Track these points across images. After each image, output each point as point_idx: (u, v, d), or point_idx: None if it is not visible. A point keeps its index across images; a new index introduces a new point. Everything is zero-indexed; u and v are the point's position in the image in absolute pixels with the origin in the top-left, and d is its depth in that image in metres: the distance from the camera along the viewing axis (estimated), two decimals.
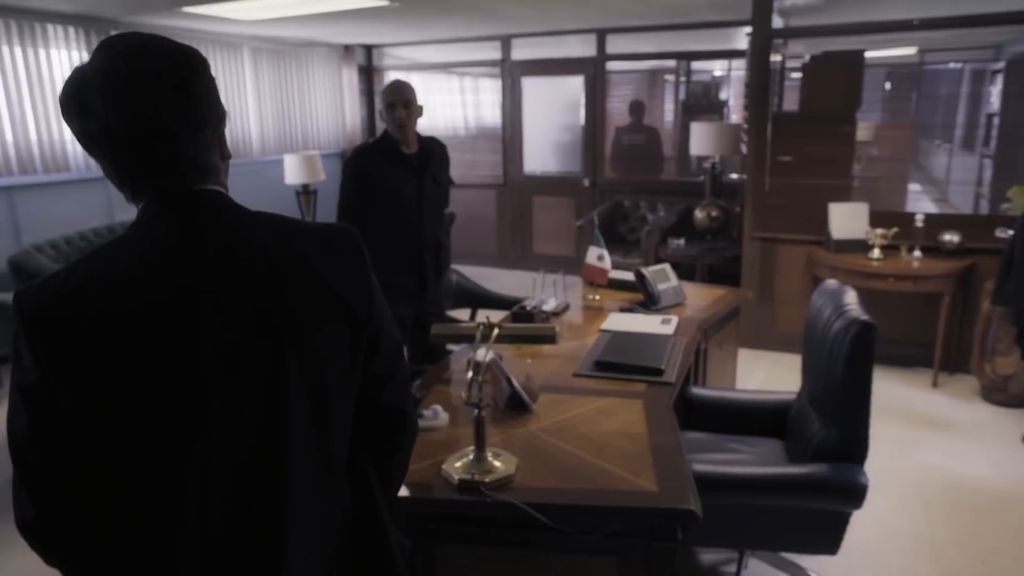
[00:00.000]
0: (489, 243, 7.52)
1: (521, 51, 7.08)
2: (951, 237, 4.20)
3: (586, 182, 6.95)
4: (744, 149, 5.23)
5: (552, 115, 7.31)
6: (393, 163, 2.88)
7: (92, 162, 4.48)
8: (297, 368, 0.97)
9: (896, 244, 4.28)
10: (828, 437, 2.11)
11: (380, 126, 8.22)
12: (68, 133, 5.10)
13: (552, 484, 1.68)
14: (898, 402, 3.99)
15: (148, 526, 0.96)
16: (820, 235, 4.55)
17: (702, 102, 7.65)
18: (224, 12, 4.93)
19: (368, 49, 7.73)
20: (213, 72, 1.00)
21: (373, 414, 1.12)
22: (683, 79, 7.80)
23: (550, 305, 3.00)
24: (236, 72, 6.42)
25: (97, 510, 0.96)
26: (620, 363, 2.35)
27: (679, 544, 1.63)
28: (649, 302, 3.10)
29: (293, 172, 6.19)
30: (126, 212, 5.44)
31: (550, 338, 1.71)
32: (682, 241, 5.46)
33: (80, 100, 0.92)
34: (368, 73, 7.79)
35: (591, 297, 3.29)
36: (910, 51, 7.63)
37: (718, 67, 8.38)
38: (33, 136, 4.95)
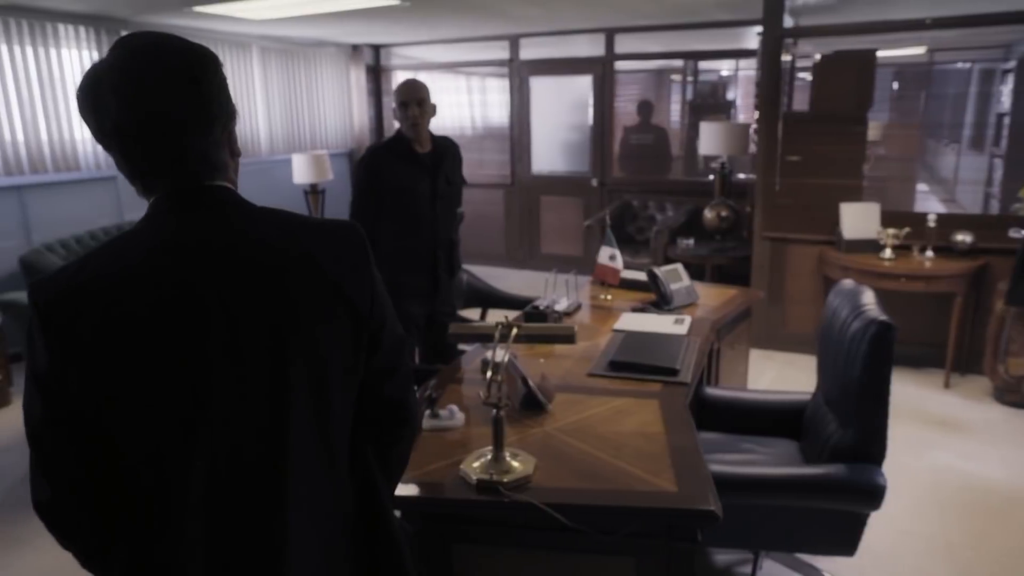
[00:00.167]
0: (496, 243, 7.51)
1: (529, 51, 7.07)
2: (964, 237, 4.17)
3: (594, 182, 6.94)
4: (753, 149, 5.21)
5: (560, 115, 7.31)
6: (406, 162, 2.88)
7: (102, 161, 4.48)
8: (299, 363, 0.99)
9: (908, 244, 4.26)
10: (845, 438, 2.10)
11: (388, 126, 8.23)
12: (79, 132, 5.14)
13: (570, 484, 1.68)
14: (910, 403, 3.98)
15: (154, 516, 0.98)
16: (831, 235, 4.54)
17: (709, 102, 7.64)
18: (233, 11, 4.94)
19: (376, 49, 7.74)
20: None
21: (375, 406, 1.14)
22: (690, 79, 7.79)
23: (562, 305, 2.99)
24: (245, 72, 6.44)
25: (109, 496, 0.99)
26: (635, 363, 2.34)
27: (698, 545, 1.62)
28: (662, 302, 3.09)
29: (301, 172, 6.20)
30: (135, 211, 5.45)
31: (568, 338, 1.71)
32: (691, 241, 5.45)
33: (94, 97, 0.95)
34: (376, 73, 7.79)
35: (603, 297, 3.28)
36: (919, 51, 7.60)
37: (725, 67, 8.37)
38: (44, 135, 4.96)
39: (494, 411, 1.65)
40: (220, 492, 0.97)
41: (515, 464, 1.69)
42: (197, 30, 5.80)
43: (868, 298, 2.17)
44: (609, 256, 3.24)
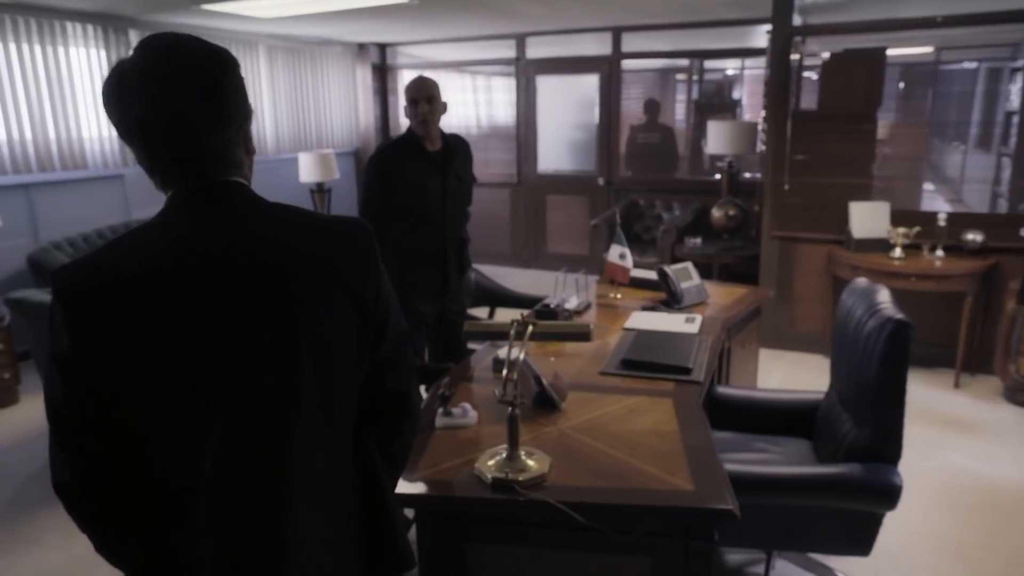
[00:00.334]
0: (502, 242, 7.50)
1: (536, 49, 7.06)
2: (974, 236, 4.15)
3: (600, 181, 6.93)
4: (761, 148, 5.20)
5: (566, 114, 7.29)
6: (417, 159, 2.87)
7: (109, 160, 4.49)
8: (307, 354, 1.03)
9: (917, 243, 4.24)
10: (860, 437, 2.09)
11: (395, 125, 8.23)
12: (86, 131, 5.15)
13: (586, 483, 1.67)
14: (920, 403, 3.96)
15: (168, 500, 1.03)
16: (840, 234, 4.52)
17: (715, 101, 7.62)
18: (242, 9, 4.93)
19: (382, 48, 7.74)
20: None
21: (379, 398, 1.18)
22: (695, 78, 7.76)
23: (572, 303, 2.98)
24: (251, 70, 6.44)
25: (126, 478, 1.03)
26: (648, 362, 2.32)
27: (716, 544, 1.61)
28: (672, 301, 3.08)
29: (307, 170, 6.20)
30: (142, 210, 5.46)
31: (584, 335, 1.70)
32: (698, 240, 5.44)
33: (119, 93, 0.99)
34: (382, 72, 7.79)
35: (612, 296, 3.26)
36: (926, 50, 7.57)
37: (730, 66, 8.34)
38: (51, 134, 4.96)
39: (509, 409, 1.64)
40: (229, 477, 1.01)
41: (530, 463, 1.68)
42: (204, 28, 5.80)
43: (883, 296, 2.15)
44: (619, 255, 3.23)
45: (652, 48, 7.25)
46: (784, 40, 4.53)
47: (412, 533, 1.72)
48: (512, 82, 7.21)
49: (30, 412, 4.08)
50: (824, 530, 2.11)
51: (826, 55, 4.76)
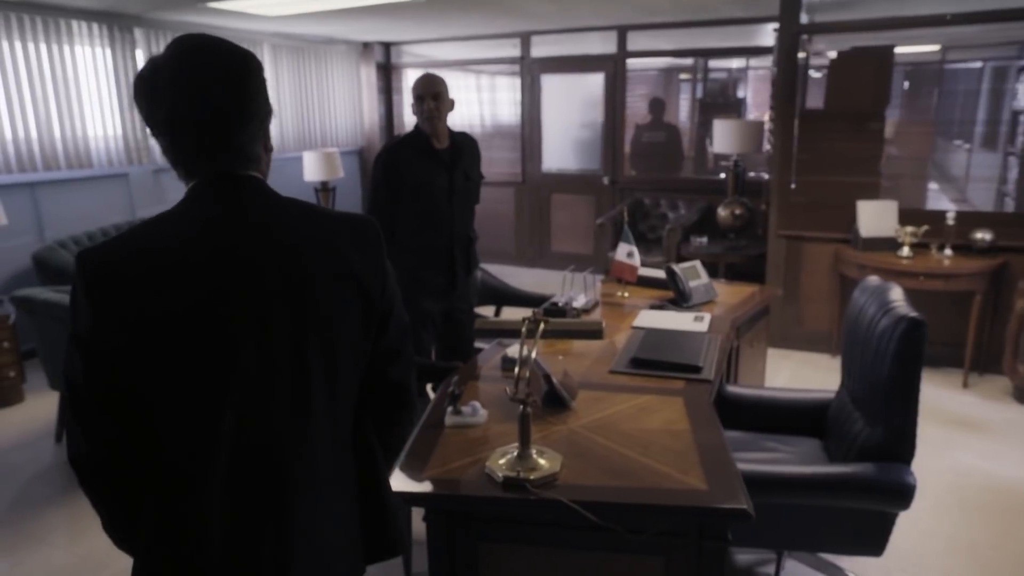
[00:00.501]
0: (506, 241, 7.49)
1: (541, 48, 7.04)
2: (983, 235, 4.13)
3: (605, 180, 6.91)
4: (767, 146, 5.18)
5: (571, 112, 7.27)
6: (424, 157, 2.86)
7: (115, 158, 4.49)
8: (315, 340, 1.10)
9: (925, 242, 4.22)
10: (873, 436, 2.07)
11: (399, 124, 8.21)
12: (91, 130, 5.14)
13: (598, 482, 1.65)
14: (928, 402, 3.90)
15: (180, 477, 1.07)
16: (847, 233, 4.50)
17: (719, 100, 7.60)
18: (247, 8, 4.92)
19: (387, 47, 7.73)
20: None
21: (380, 388, 1.24)
22: (700, 77, 7.74)
23: (580, 302, 2.97)
24: None
25: (140, 453, 1.08)
26: (657, 360, 2.31)
27: (729, 544, 1.60)
28: (680, 299, 3.06)
29: (312, 169, 6.19)
30: (147, 208, 5.46)
31: (596, 333, 1.68)
32: (704, 239, 5.42)
33: (150, 88, 1.06)
34: (387, 71, 7.78)
35: (619, 294, 3.25)
36: (932, 48, 7.54)
37: (735, 65, 8.31)
38: (57, 132, 4.96)
39: (521, 407, 1.63)
40: (241, 456, 1.06)
41: (541, 461, 1.67)
42: (209, 27, 5.79)
43: (896, 295, 2.13)
44: (627, 253, 3.21)
45: (657, 47, 7.23)
46: (791, 38, 4.51)
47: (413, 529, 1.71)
48: (517, 81, 7.20)
49: (35, 411, 4.07)
50: (836, 530, 2.09)
51: (833, 53, 4.74)
